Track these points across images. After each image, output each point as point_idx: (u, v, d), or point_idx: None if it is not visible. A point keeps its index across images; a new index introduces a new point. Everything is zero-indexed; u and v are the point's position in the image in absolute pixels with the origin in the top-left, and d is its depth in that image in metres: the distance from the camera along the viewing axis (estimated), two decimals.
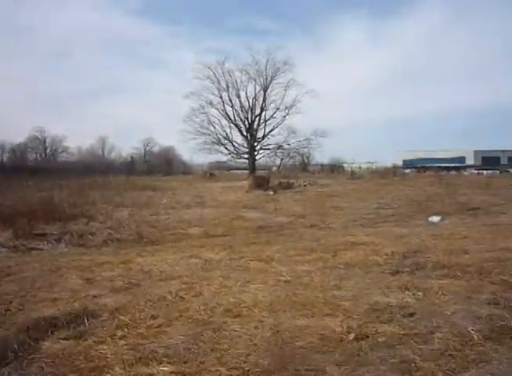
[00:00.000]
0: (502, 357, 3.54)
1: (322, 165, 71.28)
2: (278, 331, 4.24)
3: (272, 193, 25.81)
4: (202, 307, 5.07)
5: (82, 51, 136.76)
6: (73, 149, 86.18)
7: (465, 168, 79.95)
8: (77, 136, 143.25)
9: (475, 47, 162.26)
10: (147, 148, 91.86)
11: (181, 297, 5.57)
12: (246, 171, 53.74)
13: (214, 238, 11.86)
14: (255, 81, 55.40)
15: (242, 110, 55.75)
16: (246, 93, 55.93)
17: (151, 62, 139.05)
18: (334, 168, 64.92)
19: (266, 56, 54.38)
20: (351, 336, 4.03)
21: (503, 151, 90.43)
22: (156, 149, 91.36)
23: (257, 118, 55.88)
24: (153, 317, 4.80)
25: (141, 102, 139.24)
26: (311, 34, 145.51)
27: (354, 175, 45.58)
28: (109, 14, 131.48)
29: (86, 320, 4.71)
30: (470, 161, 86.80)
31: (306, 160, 67.71)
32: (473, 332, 3.99)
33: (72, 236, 11.84)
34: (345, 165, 72.31)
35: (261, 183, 28.81)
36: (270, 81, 55.17)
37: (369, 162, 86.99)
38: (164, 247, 10.42)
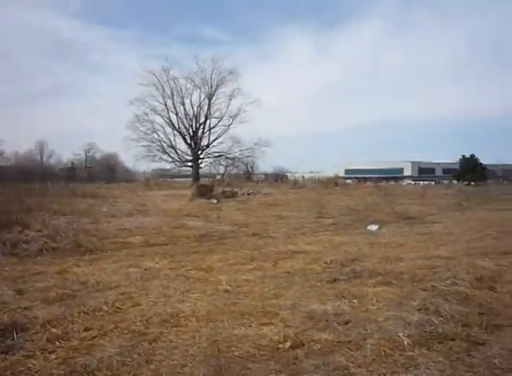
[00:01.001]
0: (429, 361, 3.68)
1: (265, 174, 71.82)
2: (215, 341, 4.21)
3: (215, 201, 25.69)
4: (139, 318, 4.96)
5: (20, 52, 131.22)
6: (9, 154, 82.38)
7: (403, 178, 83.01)
8: (14, 140, 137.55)
9: (415, 60, 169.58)
10: (89, 154, 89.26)
11: (117, 307, 5.43)
12: (190, 180, 53.33)
13: (155, 247, 11.64)
14: (200, 89, 55.30)
15: (186, 118, 55.45)
16: (191, 101, 55.70)
17: (94, 65, 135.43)
18: (278, 178, 65.53)
19: (212, 65, 54.42)
20: (288, 344, 4.07)
21: (438, 163, 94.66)
22: (98, 155, 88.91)
23: (202, 126, 55.74)
24: (87, 329, 4.64)
25: (83, 106, 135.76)
26: (258, 45, 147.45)
27: (297, 185, 46.17)
28: (49, 15, 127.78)
29: (15, 334, 4.49)
30: (407, 172, 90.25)
31: (250, 169, 68.01)
32: (403, 338, 4.13)
33: (5, 246, 11.28)
34: (289, 175, 73.21)
35: (204, 192, 28.61)
36: (215, 90, 55.23)
37: (312, 172, 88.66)
38: (102, 257, 10.12)
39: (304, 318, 4.82)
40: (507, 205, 22.40)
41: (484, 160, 70.51)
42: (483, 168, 68.68)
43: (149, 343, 4.22)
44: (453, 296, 5.49)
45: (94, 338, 4.41)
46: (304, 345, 4.08)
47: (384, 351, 3.90)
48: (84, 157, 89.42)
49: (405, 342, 4.07)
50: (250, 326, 4.64)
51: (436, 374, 3.46)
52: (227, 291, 6.20)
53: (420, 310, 4.92)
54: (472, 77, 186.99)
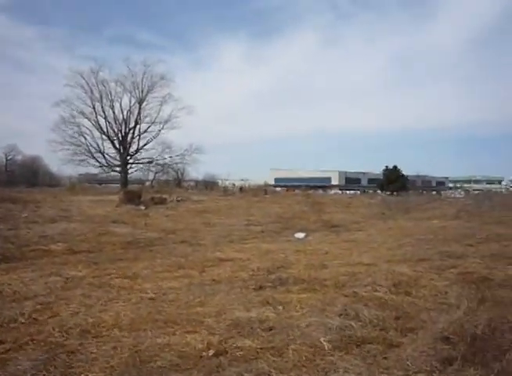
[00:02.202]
0: (348, 365, 3.81)
1: (196, 181, 71.39)
2: (137, 351, 4.12)
3: (143, 208, 25.19)
4: (57, 329, 4.76)
5: None
6: None
7: (331, 187, 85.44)
8: None
9: (343, 73, 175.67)
10: (9, 157, 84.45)
11: (34, 319, 5.18)
12: (119, 185, 51.90)
13: (79, 254, 11.23)
14: (131, 93, 53.94)
15: (115, 122, 53.85)
16: (120, 105, 54.16)
17: (17, 64, 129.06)
18: (208, 185, 65.35)
19: (143, 69, 53.35)
20: (211, 352, 4.06)
21: (364, 173, 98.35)
22: (19, 158, 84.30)
23: (132, 131, 54.36)
24: (0, 342, 4.40)
25: (3, 106, 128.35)
26: (192, 52, 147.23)
27: (227, 192, 46.27)
28: None
29: None
30: (335, 181, 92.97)
31: (180, 176, 67.32)
32: (324, 343, 4.25)
33: None
34: (219, 182, 73.24)
35: (132, 198, 27.96)
36: (146, 95, 54.11)
37: (243, 179, 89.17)
38: (21, 265, 9.61)
39: (228, 325, 4.83)
40: (425, 214, 23.68)
41: (406, 171, 74.17)
42: (405, 178, 72.09)
43: (68, 355, 4.06)
44: (373, 301, 5.72)
45: (8, 351, 4.18)
46: (227, 352, 4.09)
47: (306, 356, 4.00)
48: (4, 159, 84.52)
49: (326, 347, 4.19)
50: (174, 334, 4.59)
51: None
52: (152, 299, 6.10)
53: (341, 315, 5.08)
54: (395, 92, 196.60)
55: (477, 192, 79.92)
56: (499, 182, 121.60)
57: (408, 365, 3.83)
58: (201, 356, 4.01)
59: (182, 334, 4.60)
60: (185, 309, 5.55)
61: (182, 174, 67.35)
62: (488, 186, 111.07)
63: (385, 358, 4.03)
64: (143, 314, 5.32)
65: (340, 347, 4.21)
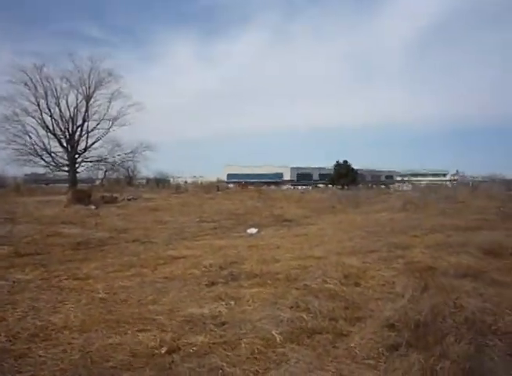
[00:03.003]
0: (299, 356, 3.91)
1: (148, 179, 70.27)
2: (88, 352, 4.07)
3: (93, 207, 24.62)
4: (3, 334, 4.61)
5: None
6: None
7: (283, 183, 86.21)
8: None
9: (293, 70, 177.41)
10: None
11: None
12: (67, 185, 50.36)
13: (26, 257, 10.85)
14: (77, 90, 52.13)
15: (62, 120, 51.98)
16: (67, 102, 52.28)
17: None
18: (160, 182, 64.53)
19: (90, 65, 51.82)
20: (164, 349, 4.06)
21: (315, 168, 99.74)
22: None
23: (79, 129, 52.75)
24: None
25: None
26: (142, 47, 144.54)
27: (179, 190, 45.86)
28: None
29: None
30: (287, 177, 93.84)
31: (131, 174, 66.04)
32: (276, 335, 4.33)
33: None
34: (171, 179, 72.46)
35: (81, 197, 27.25)
36: (94, 91, 52.48)
37: (195, 177, 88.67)
38: None
39: (181, 322, 4.84)
40: (374, 207, 24.32)
41: (356, 165, 75.82)
42: (355, 173, 73.67)
43: (15, 360, 3.96)
44: (323, 293, 5.86)
45: None
46: (180, 349, 4.10)
47: (258, 349, 4.06)
48: None
49: (278, 339, 4.27)
50: (125, 333, 4.55)
51: (304, 366, 3.68)
52: (103, 299, 6.02)
53: (292, 308, 5.18)
54: (345, 88, 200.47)
55: (423, 185, 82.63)
56: (444, 175, 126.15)
57: (356, 353, 3.97)
58: (153, 354, 4.00)
59: (134, 332, 4.57)
60: (137, 307, 5.52)
61: (133, 172, 66.01)
62: (434, 179, 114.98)
63: (335, 347, 4.16)
64: (94, 315, 5.24)
65: (292, 338, 4.31)
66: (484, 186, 58.29)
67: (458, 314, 4.16)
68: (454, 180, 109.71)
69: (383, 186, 78.36)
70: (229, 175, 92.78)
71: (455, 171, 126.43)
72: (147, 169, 72.48)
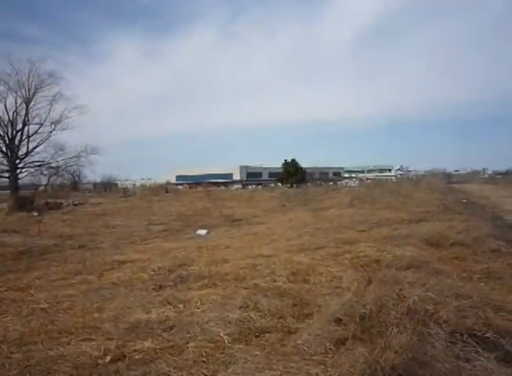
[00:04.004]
0: (247, 356, 3.88)
1: (94, 183, 68.51)
2: (27, 366, 3.89)
3: (36, 214, 23.77)
4: None
5: None
6: None
7: (233, 183, 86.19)
8: None
9: (240, 69, 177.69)
10: None
11: None
12: (8, 192, 48.27)
13: None
14: (16, 92, 50.09)
15: (1, 125, 49.96)
16: (5, 106, 50.15)
17: None
18: (107, 186, 63.08)
19: (29, 66, 49.84)
20: (108, 358, 3.94)
21: (265, 167, 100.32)
22: None
23: (19, 133, 50.72)
24: None
25: None
26: (84, 47, 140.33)
27: (127, 193, 45.01)
28: None
29: None
30: (236, 177, 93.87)
31: (76, 179, 64.16)
32: (224, 336, 4.29)
33: None
34: (119, 183, 71.03)
35: (24, 204, 26.27)
36: (34, 94, 50.55)
37: (143, 179, 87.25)
38: None
39: (127, 329, 4.72)
40: (322, 204, 24.69)
41: (304, 163, 76.81)
42: (303, 171, 74.61)
43: None
44: (272, 291, 5.86)
45: None
46: (125, 356, 3.99)
47: (206, 352, 4.01)
48: None
49: (226, 340, 4.23)
50: (68, 344, 4.39)
51: (252, 367, 3.66)
52: (45, 309, 5.78)
53: (241, 308, 5.15)
54: (293, 86, 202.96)
55: (369, 180, 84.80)
56: (389, 170, 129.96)
57: (304, 349, 3.99)
58: (97, 364, 3.88)
59: (78, 342, 4.41)
60: (81, 316, 5.33)
61: (78, 176, 64.14)
62: (379, 174, 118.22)
63: (283, 345, 4.17)
64: (35, 326, 5.02)
65: (240, 339, 4.28)
66: (426, 179, 60.44)
67: (401, 305, 4.25)
68: (399, 175, 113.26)
69: (331, 183, 79.81)
70: (179, 177, 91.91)
71: (399, 166, 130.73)
72: (93, 173, 70.64)
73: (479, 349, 3.70)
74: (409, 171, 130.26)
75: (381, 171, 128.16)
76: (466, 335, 3.88)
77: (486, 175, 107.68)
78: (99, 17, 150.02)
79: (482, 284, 5.98)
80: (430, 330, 3.87)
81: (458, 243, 9.12)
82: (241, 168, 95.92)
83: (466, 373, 3.30)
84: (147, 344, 4.23)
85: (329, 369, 3.52)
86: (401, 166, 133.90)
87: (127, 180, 76.57)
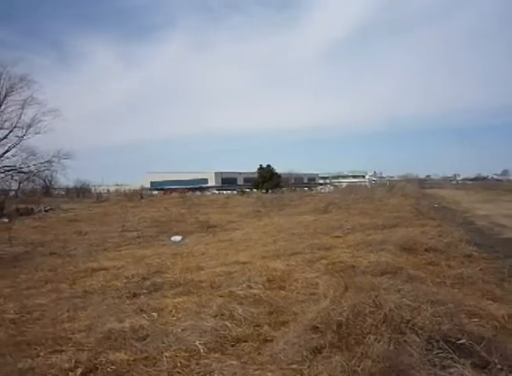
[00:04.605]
0: (223, 366, 3.81)
1: (67, 189, 67.21)
2: None
3: (6, 220, 23.22)
4: None
5: None
6: None
7: (208, 188, 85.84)
8: None
9: (213, 76, 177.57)
10: None
11: None
12: None
13: None
14: None
15: None
16: None
17: None
18: (80, 192, 62.04)
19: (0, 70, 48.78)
20: (79, 371, 3.82)
21: (240, 173, 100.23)
22: None
23: None
24: None
25: None
26: (58, 50, 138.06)
27: (100, 199, 44.34)
28: None
29: None
30: (212, 182, 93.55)
31: (48, 184, 62.88)
32: (199, 346, 4.21)
33: None
34: (93, 188, 69.91)
35: None
36: (4, 98, 49.45)
37: (118, 185, 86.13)
38: None
39: (99, 339, 4.59)
40: (297, 210, 24.78)
41: (280, 169, 77.05)
42: (278, 176, 74.83)
43: None
44: (247, 299, 5.80)
45: None
46: (97, 368, 3.88)
47: (181, 362, 3.93)
48: None
49: (202, 350, 4.15)
50: (37, 356, 4.24)
51: None
52: (14, 319, 5.60)
53: (216, 316, 5.07)
54: (264, 94, 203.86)
55: (344, 186, 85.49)
56: (363, 176, 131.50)
57: (281, 358, 3.94)
58: None
59: (48, 354, 4.28)
60: (52, 326, 5.18)
61: (51, 182, 62.90)
62: (354, 180, 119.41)
63: (259, 354, 4.11)
64: (3, 337, 4.87)
65: (216, 348, 4.21)
66: (399, 185, 61.26)
67: (377, 312, 4.25)
68: (373, 181, 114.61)
69: (306, 189, 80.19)
70: (153, 183, 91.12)
71: (373, 172, 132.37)
72: (66, 178, 69.26)
73: (455, 356, 3.71)
74: (383, 176, 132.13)
75: (355, 177, 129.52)
76: (441, 342, 3.88)
77: (456, 181, 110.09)
78: (72, 20, 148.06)
79: (456, 290, 6.03)
80: (406, 338, 3.87)
81: (431, 248, 9.22)
82: (216, 173, 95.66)
83: None
84: (120, 355, 4.12)
85: None
86: (374, 172, 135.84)
87: (100, 186, 75.39)
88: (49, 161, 51.14)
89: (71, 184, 66.98)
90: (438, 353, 3.76)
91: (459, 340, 3.93)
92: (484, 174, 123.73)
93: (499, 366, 3.59)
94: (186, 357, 4.01)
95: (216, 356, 4.04)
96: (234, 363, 3.88)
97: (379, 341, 3.64)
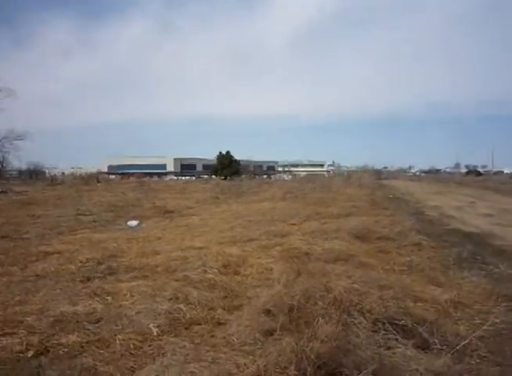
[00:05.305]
0: (176, 348, 3.88)
1: (20, 171, 65.15)
2: None
3: None
4: None
5: None
6: None
7: (166, 174, 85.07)
8: None
9: (178, 61, 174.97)
10: None
11: None
12: None
13: None
14: None
15: None
16: None
17: None
18: (34, 174, 60.26)
19: None
20: (30, 353, 3.80)
21: (199, 159, 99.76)
22: None
23: None
24: None
25: None
26: (11, 28, 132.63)
27: (55, 182, 43.24)
28: None
29: None
30: (170, 168, 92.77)
31: (0, 166, 60.82)
32: (153, 328, 4.26)
33: None
34: (46, 171, 68.02)
35: None
36: None
37: (74, 168, 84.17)
38: None
39: (51, 322, 4.55)
40: (256, 197, 24.94)
41: (239, 156, 77.12)
42: (237, 163, 74.89)
43: None
44: (202, 283, 5.86)
45: None
46: (49, 351, 3.87)
47: (134, 344, 3.96)
48: None
49: (155, 332, 4.21)
50: None
51: (181, 358, 3.65)
52: None
53: (171, 300, 5.12)
54: (230, 80, 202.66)
55: (302, 175, 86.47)
56: (322, 166, 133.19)
57: (233, 340, 4.04)
58: (19, 360, 3.73)
59: None
60: (2, 309, 5.08)
61: (2, 163, 60.84)
62: (312, 169, 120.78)
63: (213, 336, 4.20)
64: None
65: (169, 331, 4.27)
66: (356, 175, 62.46)
67: (328, 296, 4.41)
68: (330, 170, 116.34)
69: (265, 177, 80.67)
70: (111, 167, 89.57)
71: (331, 162, 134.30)
72: (19, 160, 67.07)
73: (399, 337, 3.91)
74: (341, 166, 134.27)
75: (314, 166, 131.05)
76: (387, 324, 4.08)
77: (412, 173, 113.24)
78: None
79: (404, 276, 6.29)
80: (354, 320, 4.04)
81: (383, 237, 9.54)
82: (175, 159, 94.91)
83: (386, 360, 3.47)
84: (73, 337, 4.12)
85: (257, 359, 3.58)
86: (333, 162, 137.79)
87: (55, 168, 73.46)
88: (1, 142, 49.49)
89: (24, 166, 65.06)
90: (383, 334, 3.95)
91: (403, 322, 4.14)
92: (437, 167, 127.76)
93: (439, 347, 3.81)
94: (140, 339, 4.06)
95: (169, 338, 4.10)
96: (187, 344, 3.95)
97: (328, 323, 3.79)
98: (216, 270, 6.53)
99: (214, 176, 72.01)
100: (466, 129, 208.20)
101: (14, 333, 4.31)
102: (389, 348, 3.75)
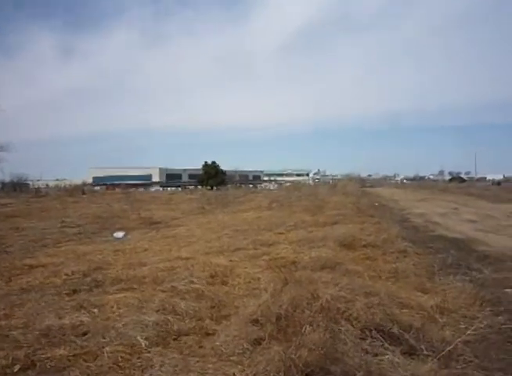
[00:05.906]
0: (165, 359, 3.86)
1: (2, 183, 64.33)
2: None
3: None
4: None
5: None
6: None
7: (152, 184, 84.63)
8: None
9: (167, 68, 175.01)
10: None
11: None
12: None
13: None
14: None
15: None
16: None
17: None
18: (17, 186, 59.58)
19: None
20: (17, 367, 3.76)
21: (185, 169, 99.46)
22: None
23: None
24: None
25: None
26: None
27: (39, 194, 42.80)
28: None
29: None
30: (156, 178, 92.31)
31: None
32: (141, 340, 4.23)
33: None
34: (30, 183, 67.28)
35: None
36: None
37: (58, 179, 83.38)
38: None
39: (38, 336, 4.51)
40: (242, 207, 24.95)
41: (225, 166, 77.11)
42: (223, 173, 74.86)
43: None
44: (190, 294, 5.85)
45: None
46: (35, 365, 3.83)
47: (122, 356, 3.94)
48: None
49: (143, 344, 4.18)
50: None
51: (169, 370, 3.65)
52: None
53: (158, 311, 5.09)
54: (213, 90, 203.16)
55: (288, 184, 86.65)
56: (307, 174, 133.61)
57: (222, 351, 4.04)
58: (5, 374, 3.68)
59: None
60: None
61: None
62: (298, 178, 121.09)
63: (201, 347, 4.20)
64: None
65: (158, 342, 4.25)
66: (342, 183, 62.76)
67: (315, 304, 4.43)
68: (316, 179, 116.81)
69: (250, 186, 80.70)
70: (96, 178, 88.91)
71: (316, 171, 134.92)
72: (2, 172, 66.30)
73: (386, 344, 3.94)
74: (326, 175, 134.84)
75: (299, 175, 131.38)
76: (374, 331, 4.12)
77: (396, 181, 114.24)
78: (9, 4, 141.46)
79: (390, 283, 6.35)
80: (341, 327, 4.07)
81: (369, 244, 9.61)
82: (160, 169, 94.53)
83: (374, 367, 3.50)
84: (59, 351, 4.08)
85: (245, 368, 3.59)
86: (318, 170, 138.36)
87: (39, 180, 72.59)
88: None
89: (7, 178, 64.24)
90: (370, 342, 3.99)
91: (390, 329, 4.18)
92: (421, 174, 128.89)
93: (425, 353, 3.86)
94: (128, 352, 4.03)
95: (158, 349, 4.09)
96: (176, 356, 3.94)
97: (315, 331, 3.81)
98: (203, 281, 6.52)
99: (200, 186, 71.84)
100: (450, 136, 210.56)
101: None
102: (376, 355, 3.78)
